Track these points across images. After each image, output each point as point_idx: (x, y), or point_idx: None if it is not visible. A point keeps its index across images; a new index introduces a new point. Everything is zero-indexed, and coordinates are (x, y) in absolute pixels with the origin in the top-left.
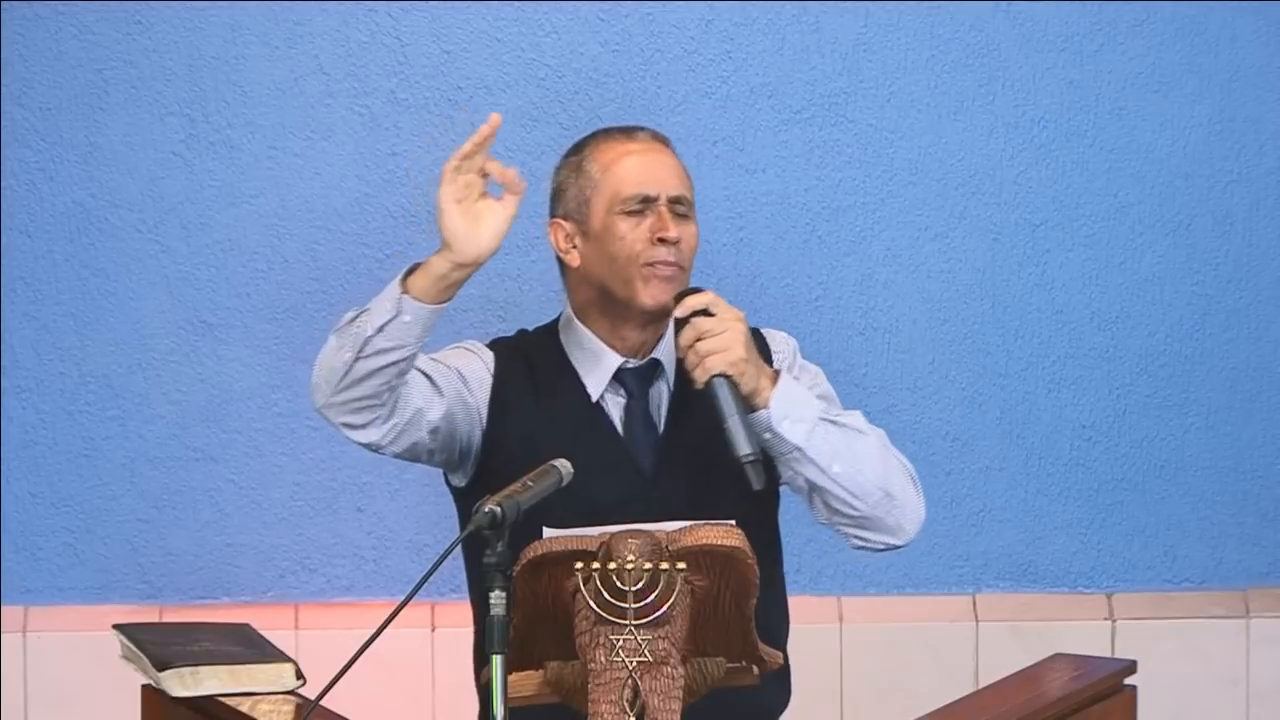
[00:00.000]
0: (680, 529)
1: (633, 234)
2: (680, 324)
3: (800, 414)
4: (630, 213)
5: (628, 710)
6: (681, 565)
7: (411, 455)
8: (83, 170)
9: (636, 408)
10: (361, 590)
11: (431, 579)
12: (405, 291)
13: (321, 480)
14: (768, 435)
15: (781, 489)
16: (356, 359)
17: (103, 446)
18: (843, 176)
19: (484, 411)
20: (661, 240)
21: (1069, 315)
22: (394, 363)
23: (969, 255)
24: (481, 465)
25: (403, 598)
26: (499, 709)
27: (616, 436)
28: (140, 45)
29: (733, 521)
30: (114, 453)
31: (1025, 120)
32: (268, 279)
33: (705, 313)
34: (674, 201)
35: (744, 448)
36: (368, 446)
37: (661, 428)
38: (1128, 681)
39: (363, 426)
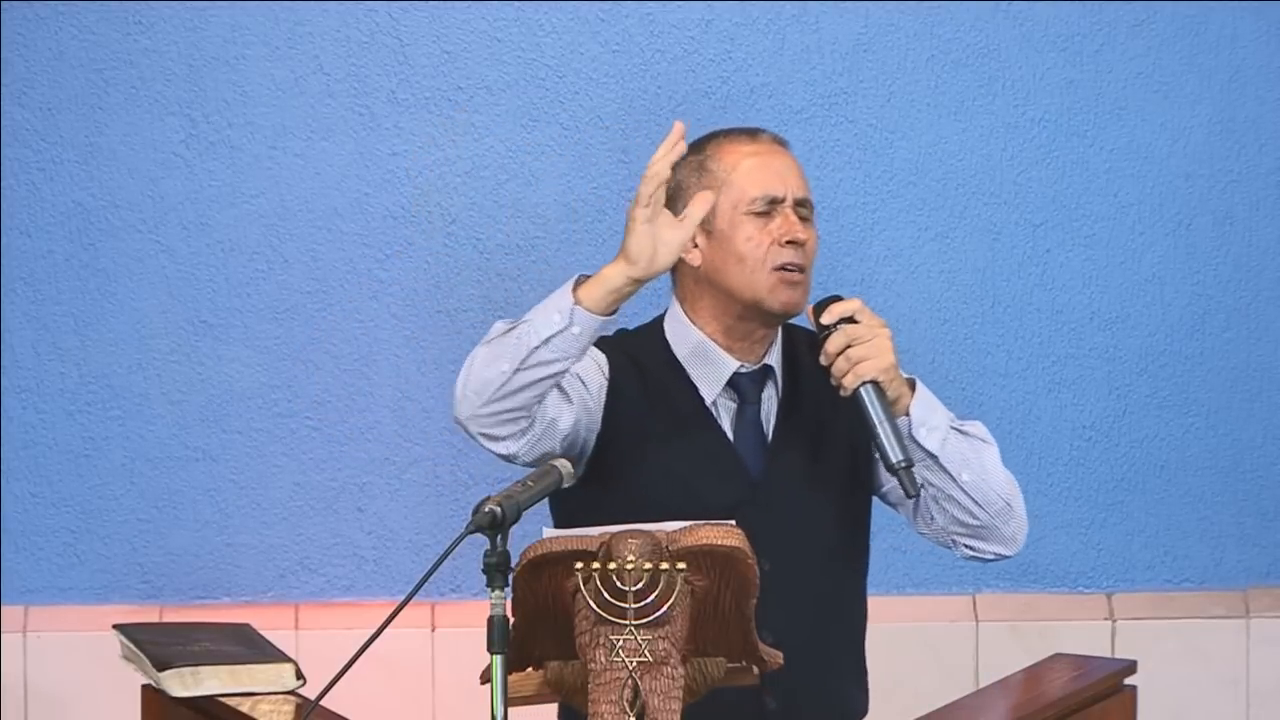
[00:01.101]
0: (680, 529)
1: (760, 235)
2: (825, 330)
3: (935, 422)
4: (758, 214)
5: (628, 710)
6: (681, 565)
7: (538, 463)
8: (83, 170)
9: (748, 413)
10: (361, 590)
11: (431, 579)
12: (577, 303)
13: (321, 480)
14: (907, 442)
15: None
16: (517, 370)
17: (103, 446)
18: (843, 176)
19: (600, 414)
20: (790, 243)
21: (1069, 315)
22: (553, 375)
23: (969, 255)
24: (592, 466)
25: (403, 598)
26: (499, 709)
27: (726, 440)
28: (140, 45)
29: (733, 521)
30: (114, 453)
31: (1025, 120)
32: (268, 279)
33: (851, 320)
34: (799, 204)
35: (897, 455)
36: (505, 458)
37: (770, 434)
38: (1128, 681)
39: (505, 439)
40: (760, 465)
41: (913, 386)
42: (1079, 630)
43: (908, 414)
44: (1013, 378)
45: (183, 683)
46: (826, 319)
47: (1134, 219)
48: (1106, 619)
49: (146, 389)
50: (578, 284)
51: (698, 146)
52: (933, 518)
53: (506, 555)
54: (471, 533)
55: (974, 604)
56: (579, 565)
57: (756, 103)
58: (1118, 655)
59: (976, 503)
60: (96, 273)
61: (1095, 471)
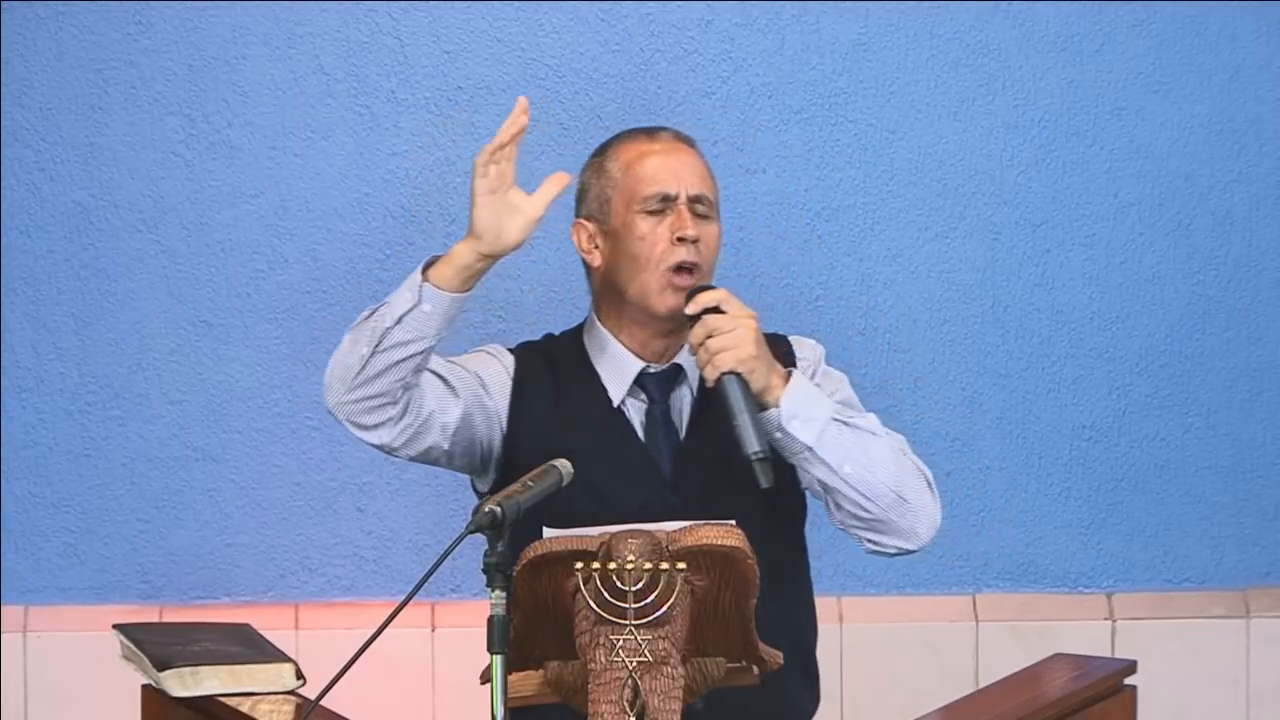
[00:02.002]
0: (680, 529)
1: (653, 233)
2: (692, 320)
3: (811, 414)
4: (650, 212)
5: (628, 710)
6: (681, 565)
7: (428, 459)
8: (83, 170)
9: (658, 412)
10: (361, 590)
11: (432, 579)
12: (426, 280)
13: (321, 480)
14: (778, 434)
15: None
16: (373, 353)
17: (103, 446)
18: (843, 176)
19: (504, 415)
20: (681, 239)
21: (1069, 315)
22: (410, 356)
23: (969, 255)
24: (503, 470)
25: (403, 598)
26: (499, 709)
27: (637, 441)
28: (140, 45)
29: (733, 521)
30: (114, 453)
31: (1025, 120)
32: (268, 279)
33: (717, 310)
34: (694, 200)
35: (752, 445)
36: (380, 448)
37: (683, 433)
38: (1128, 681)
39: (374, 427)
40: (672, 465)
41: (788, 379)
42: (1079, 630)
43: (777, 405)
44: (1013, 378)
45: (183, 683)
46: (691, 309)
47: (1134, 219)
48: (1106, 619)
49: (146, 389)
50: (429, 264)
51: (601, 148)
52: (832, 511)
53: (506, 555)
54: (471, 533)
55: (974, 604)
56: (579, 565)
57: (756, 103)
58: (1118, 655)
59: (863, 495)
60: (96, 273)
61: (1095, 471)
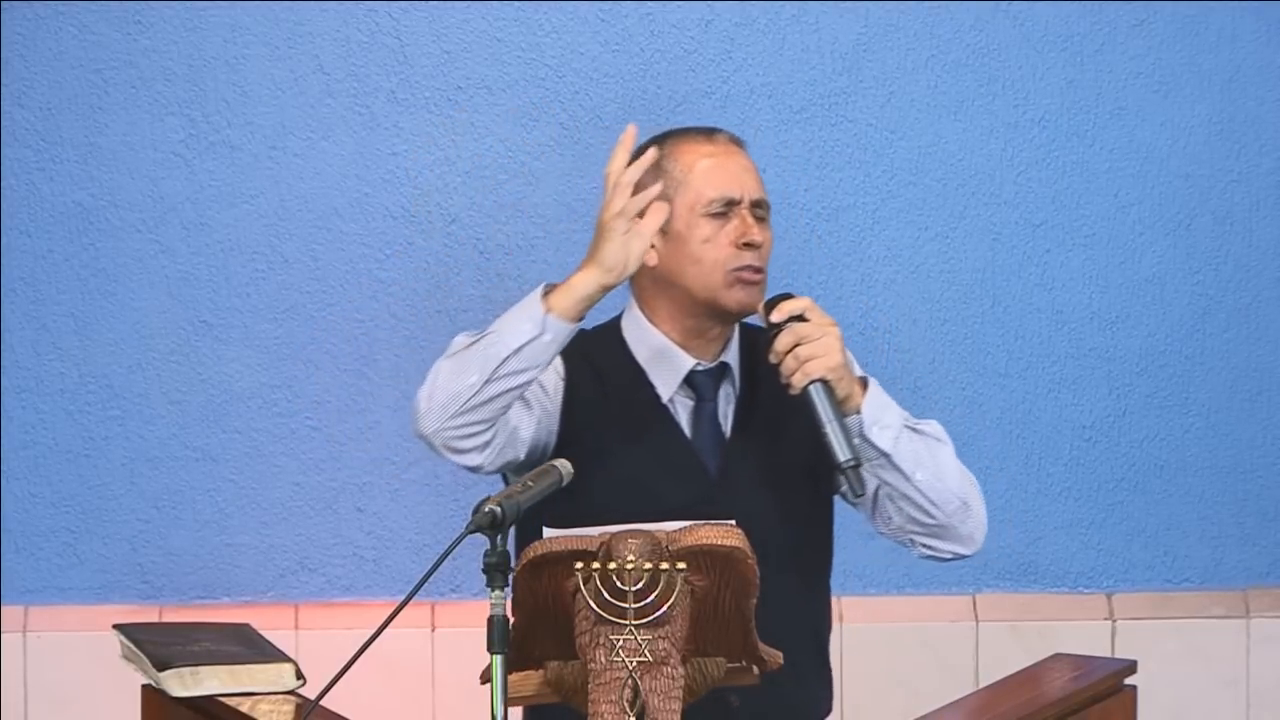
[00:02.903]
0: (680, 529)
1: (717, 237)
2: (775, 328)
3: (887, 420)
4: (714, 215)
5: (628, 710)
6: (681, 565)
7: (503, 470)
8: (83, 170)
9: (705, 410)
10: (361, 590)
11: (432, 579)
12: (549, 310)
13: (321, 480)
14: (857, 441)
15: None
16: (487, 382)
17: (103, 446)
18: (843, 176)
19: (558, 415)
20: (747, 245)
21: (1069, 315)
22: (521, 384)
23: (969, 255)
24: None
25: (403, 598)
26: (499, 709)
27: (684, 438)
28: (140, 45)
29: (733, 521)
30: (114, 453)
31: (1025, 120)
32: (268, 279)
33: (800, 318)
34: (755, 205)
35: (844, 453)
36: (471, 470)
37: (728, 431)
38: (1128, 681)
39: (470, 451)
40: (718, 463)
41: (865, 385)
42: (1079, 630)
43: (859, 412)
44: (1013, 378)
45: (183, 683)
46: (776, 317)
47: (1134, 219)
48: (1106, 619)
49: (146, 389)
50: (546, 292)
51: (656, 146)
52: (890, 517)
53: (506, 555)
54: (471, 533)
55: (974, 604)
56: (579, 565)
57: (756, 103)
58: (1118, 655)
59: (932, 501)
60: (96, 273)
61: (1095, 471)
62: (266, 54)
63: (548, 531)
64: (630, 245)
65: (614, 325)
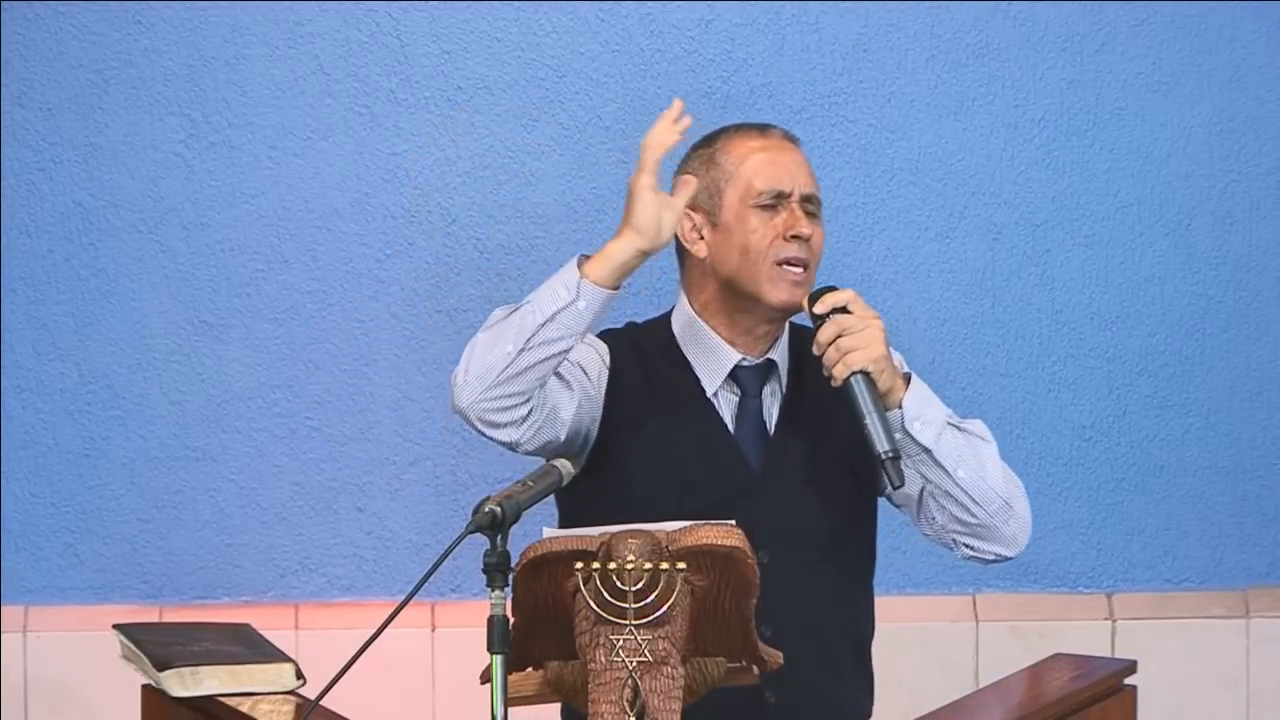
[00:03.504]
0: (680, 529)
1: (765, 228)
2: (819, 320)
3: (930, 416)
4: (764, 207)
5: (628, 710)
6: (681, 565)
7: (541, 451)
8: (83, 170)
9: (750, 406)
10: (361, 590)
11: (431, 579)
12: (584, 277)
13: (321, 480)
14: (899, 435)
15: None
16: (521, 351)
17: (103, 446)
18: (843, 176)
19: (601, 402)
20: (794, 237)
21: (1069, 315)
22: (557, 354)
23: (969, 255)
24: (594, 456)
25: (403, 598)
26: (499, 709)
27: (727, 433)
28: (140, 45)
29: (733, 521)
30: (114, 453)
31: (1025, 120)
32: (268, 279)
33: (844, 310)
34: (806, 199)
35: (883, 444)
36: (507, 445)
37: (772, 428)
38: (1128, 681)
39: (506, 425)
40: (760, 459)
41: (908, 381)
42: (1079, 630)
43: (900, 407)
44: (1013, 378)
45: (183, 683)
46: (819, 309)
47: (1134, 219)
48: (1106, 619)
49: (146, 389)
50: (581, 262)
51: (709, 140)
52: (934, 517)
53: (506, 555)
54: (471, 533)
55: (974, 604)
56: (579, 565)
57: (756, 103)
58: (1118, 655)
59: (974, 500)
60: (96, 273)
61: (1095, 471)
62: (266, 54)
63: (548, 531)
64: (662, 211)
65: (665, 317)
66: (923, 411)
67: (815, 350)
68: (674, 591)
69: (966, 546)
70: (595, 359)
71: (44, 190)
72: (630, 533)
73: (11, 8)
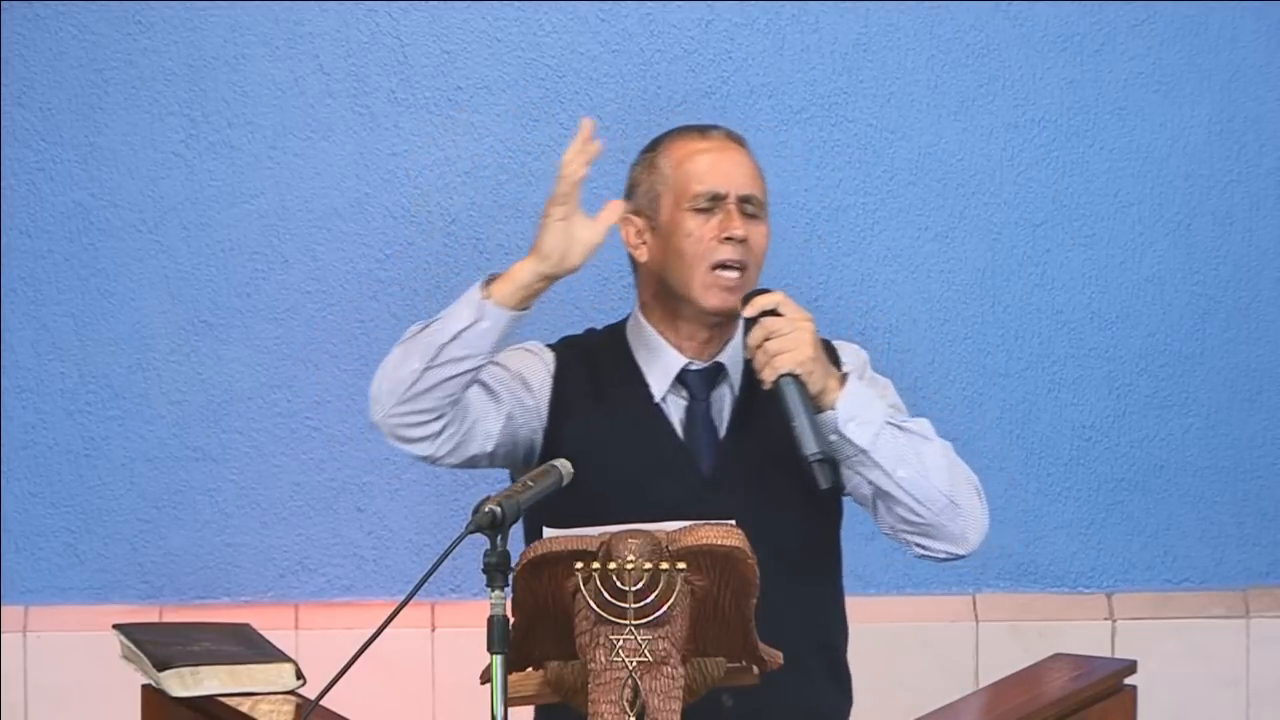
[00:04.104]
0: (680, 529)
1: (700, 230)
2: (749, 323)
3: (867, 417)
4: (699, 210)
5: (628, 710)
6: (681, 565)
7: (471, 465)
8: (83, 170)
9: (698, 410)
10: (361, 590)
11: (431, 579)
12: (487, 297)
13: (321, 480)
14: (834, 437)
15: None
16: (426, 368)
17: (103, 446)
18: (843, 176)
19: (545, 412)
20: (729, 239)
21: (1069, 315)
22: (464, 372)
23: (969, 255)
24: (543, 463)
25: (403, 598)
26: (499, 709)
27: (676, 438)
28: (140, 45)
29: (733, 521)
30: (114, 453)
31: (1025, 120)
32: (268, 279)
33: (774, 313)
34: (743, 200)
35: (810, 446)
36: (424, 459)
37: (723, 431)
38: (1128, 681)
39: (420, 440)
40: (710, 462)
41: (844, 382)
42: (1079, 630)
43: (834, 408)
44: (1013, 378)
45: (183, 683)
46: (748, 313)
47: (1134, 219)
48: (1106, 619)
49: (146, 389)
50: (488, 281)
51: (653, 143)
52: (884, 517)
53: (506, 555)
54: (471, 533)
55: (974, 604)
56: (579, 565)
57: (756, 103)
58: (1118, 655)
59: (917, 499)
60: (96, 273)
61: (1095, 471)
62: (266, 54)
63: (548, 531)
64: (575, 236)
65: (622, 324)
66: (858, 412)
67: (746, 354)
68: (674, 591)
69: (917, 545)
70: (539, 369)
71: (44, 190)
72: (630, 533)
73: (11, 8)
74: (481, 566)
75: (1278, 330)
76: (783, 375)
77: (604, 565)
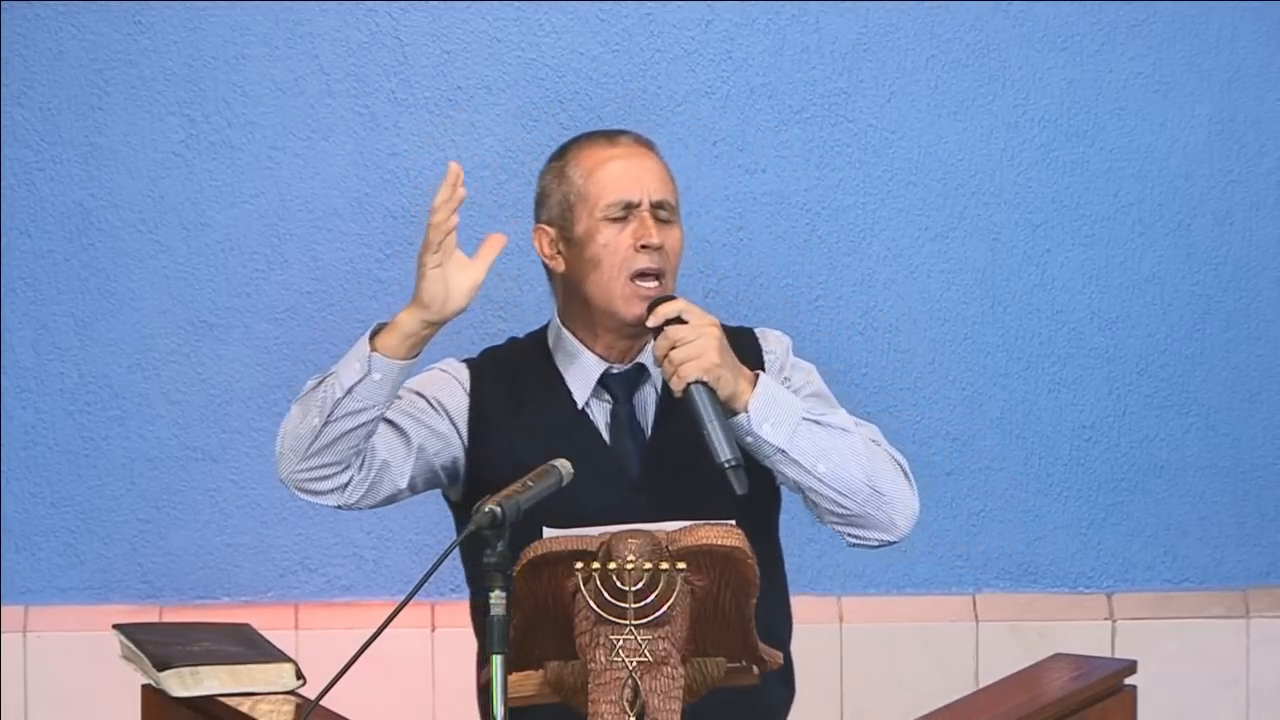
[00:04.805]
0: (680, 529)
1: (615, 240)
2: (655, 333)
3: (781, 416)
4: (613, 219)
5: (628, 710)
6: (681, 565)
7: (390, 503)
8: (83, 170)
9: (622, 413)
10: (361, 590)
11: (431, 579)
12: (375, 350)
13: None
14: (749, 439)
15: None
16: (325, 424)
17: (103, 446)
18: (843, 176)
19: (464, 432)
20: (644, 247)
21: (1069, 315)
22: (363, 424)
23: (969, 255)
24: (471, 481)
25: (403, 598)
26: (499, 709)
27: (602, 442)
28: (140, 45)
29: (733, 521)
30: (114, 453)
31: (1025, 120)
32: (268, 279)
33: (679, 320)
34: (656, 206)
35: (723, 454)
36: (338, 508)
37: (649, 433)
38: (1128, 681)
39: (328, 492)
40: (639, 465)
41: (755, 382)
42: (1079, 630)
43: (746, 411)
44: (1013, 378)
45: (183, 683)
46: (652, 322)
47: (1134, 219)
48: (1106, 619)
49: (146, 389)
50: (375, 332)
51: (561, 151)
52: (816, 512)
53: (506, 555)
54: (471, 533)
55: (974, 604)
56: (579, 565)
57: (756, 103)
58: (1118, 655)
59: (840, 492)
60: (96, 273)
61: (1095, 471)
62: (266, 54)
63: (548, 531)
64: (452, 281)
65: (542, 332)
66: (771, 413)
67: (655, 364)
68: (674, 591)
69: (849, 535)
70: (453, 388)
71: (44, 190)
72: (630, 533)
73: (11, 8)
74: (482, 566)
75: (1278, 330)
76: (691, 383)
77: (604, 565)
